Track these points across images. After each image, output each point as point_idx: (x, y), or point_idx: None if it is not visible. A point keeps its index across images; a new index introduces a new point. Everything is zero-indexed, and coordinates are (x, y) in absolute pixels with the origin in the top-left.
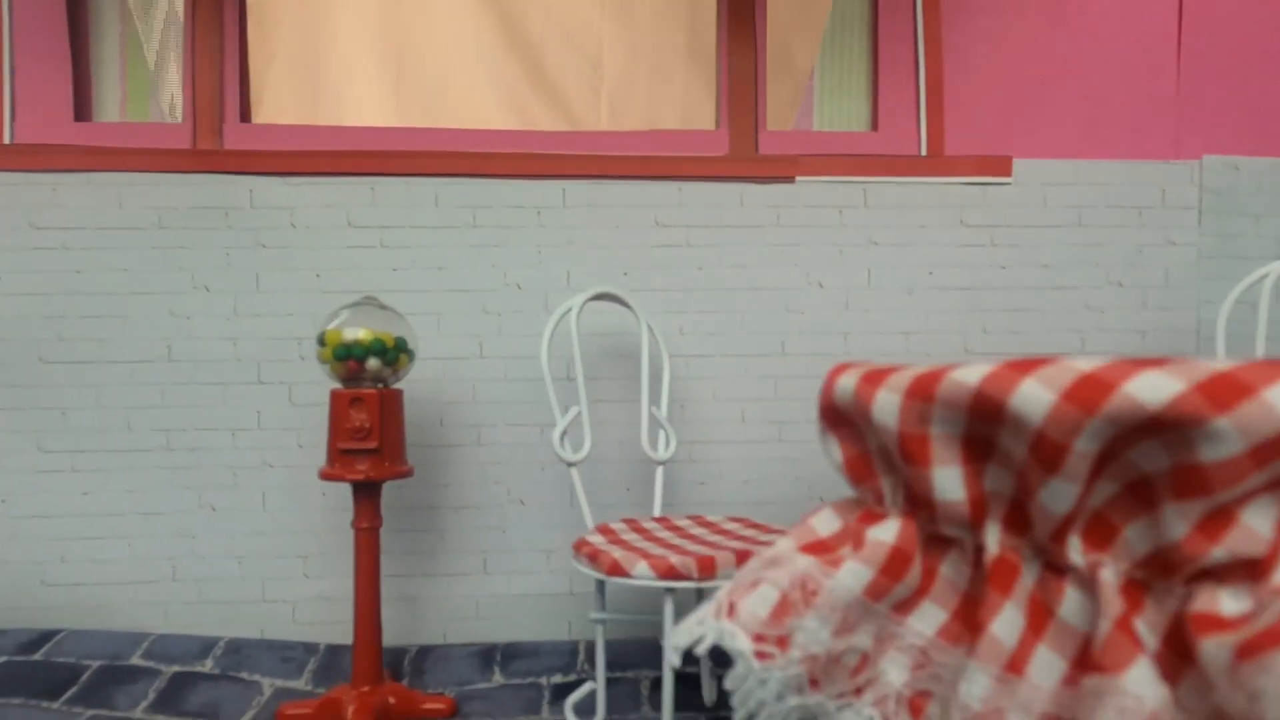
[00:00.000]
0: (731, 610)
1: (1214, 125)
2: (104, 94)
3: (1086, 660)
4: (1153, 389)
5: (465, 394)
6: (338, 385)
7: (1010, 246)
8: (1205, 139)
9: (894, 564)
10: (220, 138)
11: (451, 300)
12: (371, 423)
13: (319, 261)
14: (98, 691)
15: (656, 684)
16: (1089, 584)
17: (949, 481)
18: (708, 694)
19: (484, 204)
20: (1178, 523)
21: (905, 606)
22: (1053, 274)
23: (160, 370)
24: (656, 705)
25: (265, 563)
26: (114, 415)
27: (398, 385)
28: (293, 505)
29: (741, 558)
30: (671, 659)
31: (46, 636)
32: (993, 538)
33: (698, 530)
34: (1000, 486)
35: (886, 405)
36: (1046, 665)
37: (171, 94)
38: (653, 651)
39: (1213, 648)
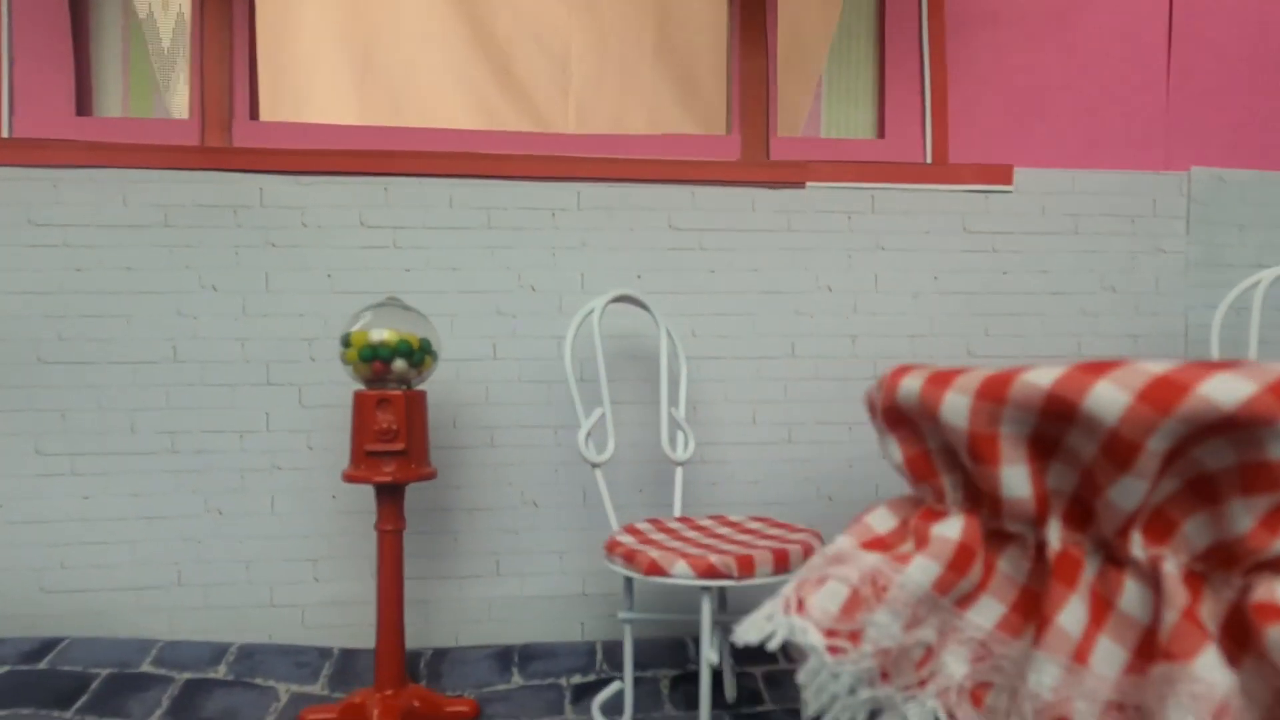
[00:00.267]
0: (801, 606)
1: (1201, 139)
2: (105, 89)
3: (1149, 649)
4: (1227, 390)
5: (478, 395)
6: (359, 387)
7: (1011, 253)
8: (1193, 152)
9: (960, 559)
10: (229, 135)
11: (465, 302)
12: (399, 424)
13: (331, 261)
14: (109, 700)
15: (676, 682)
16: (1149, 577)
17: (1016, 479)
18: (729, 691)
19: (498, 205)
20: (1243, 517)
21: (965, 601)
22: (1051, 279)
23: (166, 371)
24: (678, 703)
25: (273, 567)
26: (116, 417)
27: (421, 387)
28: (302, 508)
29: (778, 556)
30: (710, 656)
31: (49, 645)
32: (1054, 533)
33: (723, 530)
34: (1062, 484)
35: (956, 406)
36: (1108, 655)
37: (178, 90)
38: (669, 650)
39: (1278, 635)
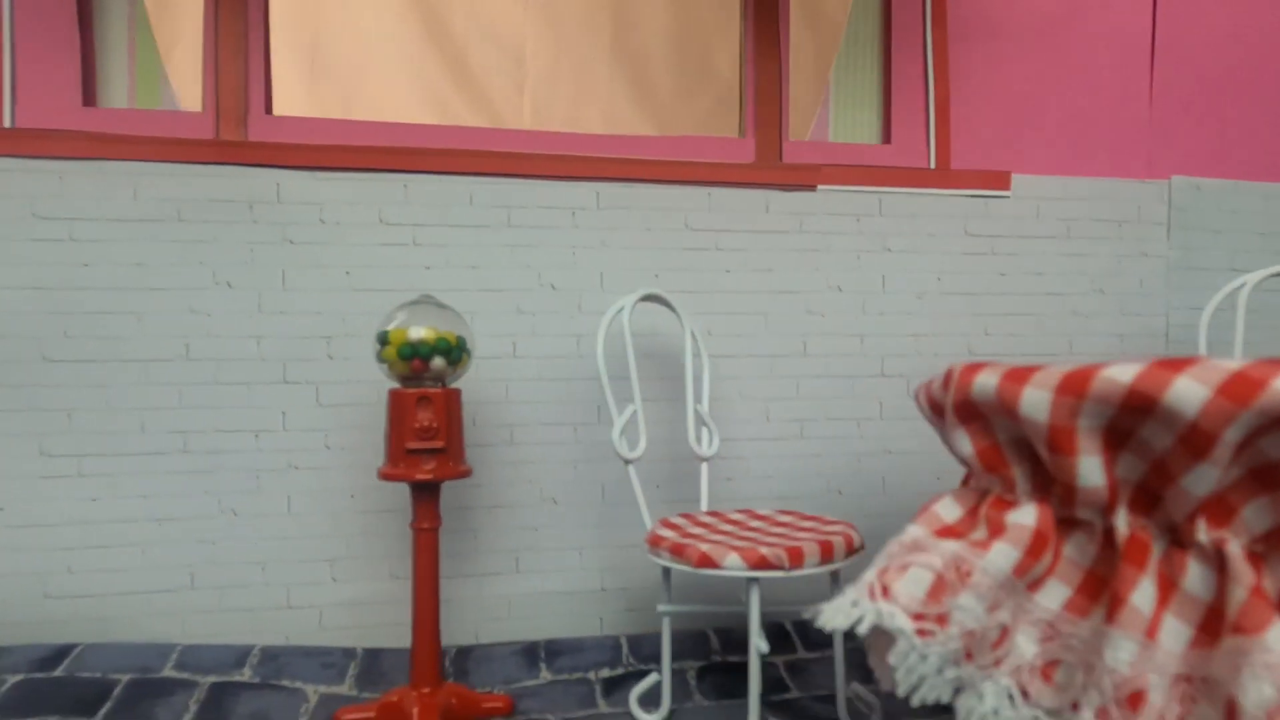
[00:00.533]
0: (886, 592)
1: (1181, 149)
2: (110, 79)
3: (1214, 625)
4: None
5: (498, 394)
6: (392, 384)
7: (1008, 255)
8: (1174, 161)
9: (1036, 545)
10: (245, 128)
11: (485, 300)
12: (439, 422)
13: (349, 259)
14: (135, 706)
15: (703, 673)
16: (1212, 558)
17: (1091, 469)
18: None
19: (518, 204)
20: None
21: (1035, 584)
22: (1045, 281)
23: (178, 369)
24: (707, 694)
25: (290, 568)
26: (126, 417)
27: (456, 384)
28: (319, 508)
29: (824, 547)
30: (761, 646)
31: (63, 652)
32: (1122, 519)
33: (756, 523)
34: (1129, 473)
35: (1036, 401)
36: (1174, 632)
37: (188, 82)
38: (693, 642)
39: None
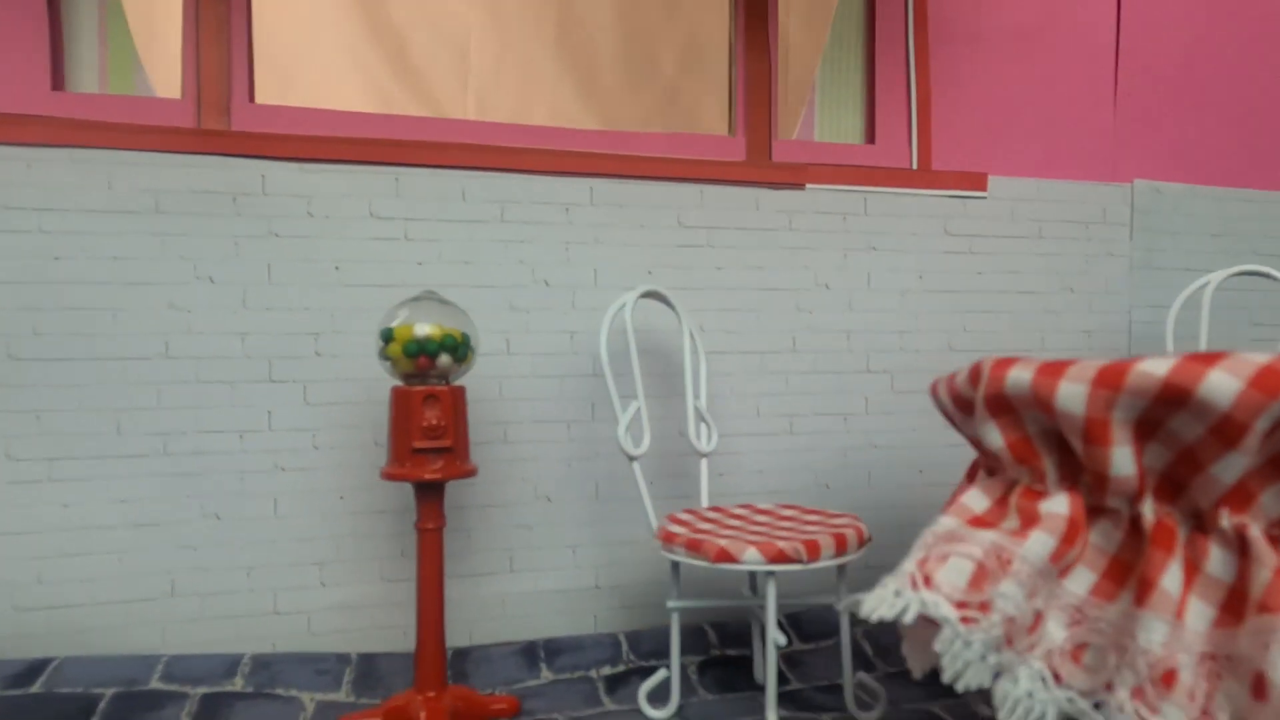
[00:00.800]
0: (929, 581)
1: (1142, 154)
2: (80, 64)
3: (1236, 605)
4: None
5: (492, 391)
6: (396, 382)
7: (986, 254)
8: (1136, 165)
9: (1071, 532)
10: (228, 117)
11: (478, 296)
12: (446, 420)
13: (338, 253)
14: None
15: (703, 668)
16: (1233, 542)
17: (1124, 459)
18: (759, 673)
19: (512, 199)
20: None
21: (1065, 571)
22: (1019, 279)
23: (157, 368)
24: (710, 688)
25: (277, 572)
26: (101, 418)
27: (458, 382)
28: (307, 510)
29: (838, 540)
30: (778, 639)
31: (38, 667)
32: (1149, 507)
33: (762, 518)
34: (1155, 462)
35: (1073, 394)
36: (1199, 613)
37: (164, 68)
38: (690, 637)
39: None
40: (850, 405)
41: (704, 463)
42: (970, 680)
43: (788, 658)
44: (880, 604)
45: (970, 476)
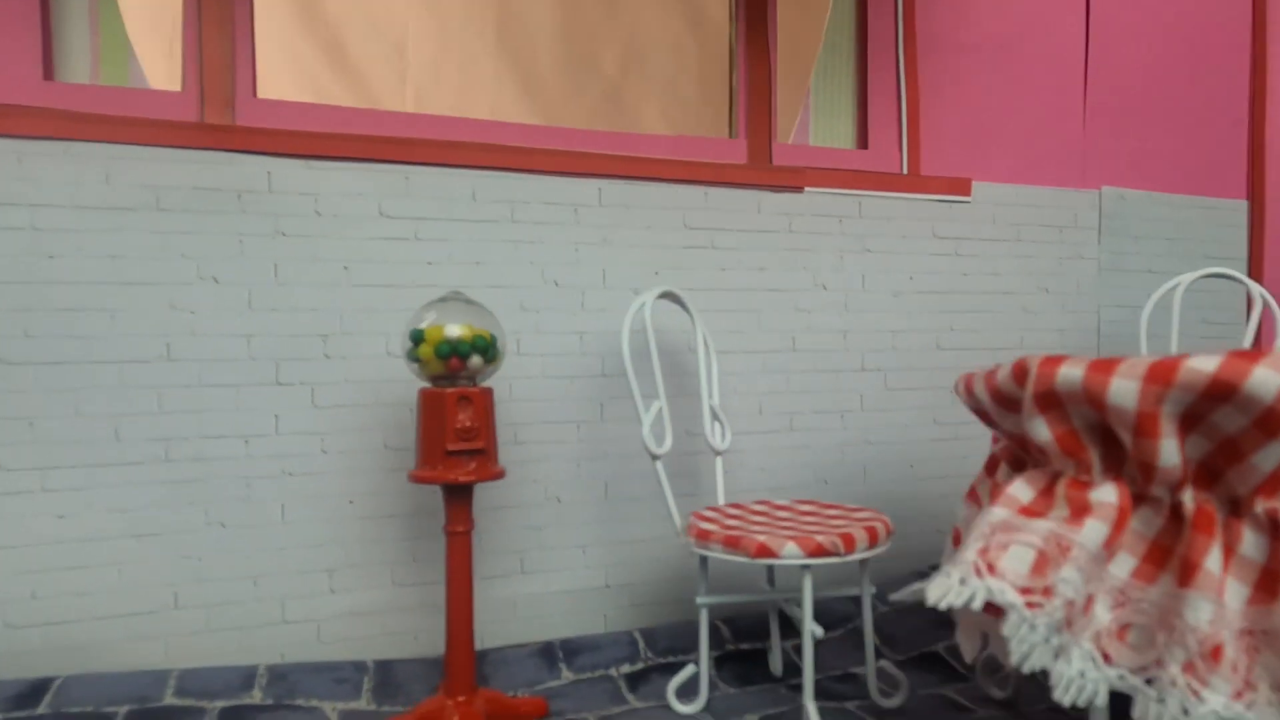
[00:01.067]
0: (992, 569)
1: (1109, 162)
2: (70, 54)
3: (1269, 584)
4: None
5: (502, 392)
6: (424, 384)
7: (970, 257)
8: (1103, 173)
9: (1121, 519)
10: (233, 111)
11: (489, 297)
12: (479, 422)
13: (347, 253)
14: None
15: (720, 663)
16: (1265, 526)
17: (1170, 451)
18: (774, 665)
19: (521, 199)
20: None
21: (1110, 556)
22: (1000, 281)
23: (158, 371)
24: (729, 682)
25: (285, 580)
26: (98, 424)
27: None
28: (316, 516)
29: (870, 533)
30: (815, 630)
31: (41, 686)
32: (1189, 494)
33: (783, 513)
34: (1194, 452)
35: (1124, 390)
36: (1235, 591)
37: (159, 59)
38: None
39: None
40: (847, 403)
41: (719, 461)
42: (1035, 662)
43: (799, 649)
44: (946, 593)
45: (990, 469)
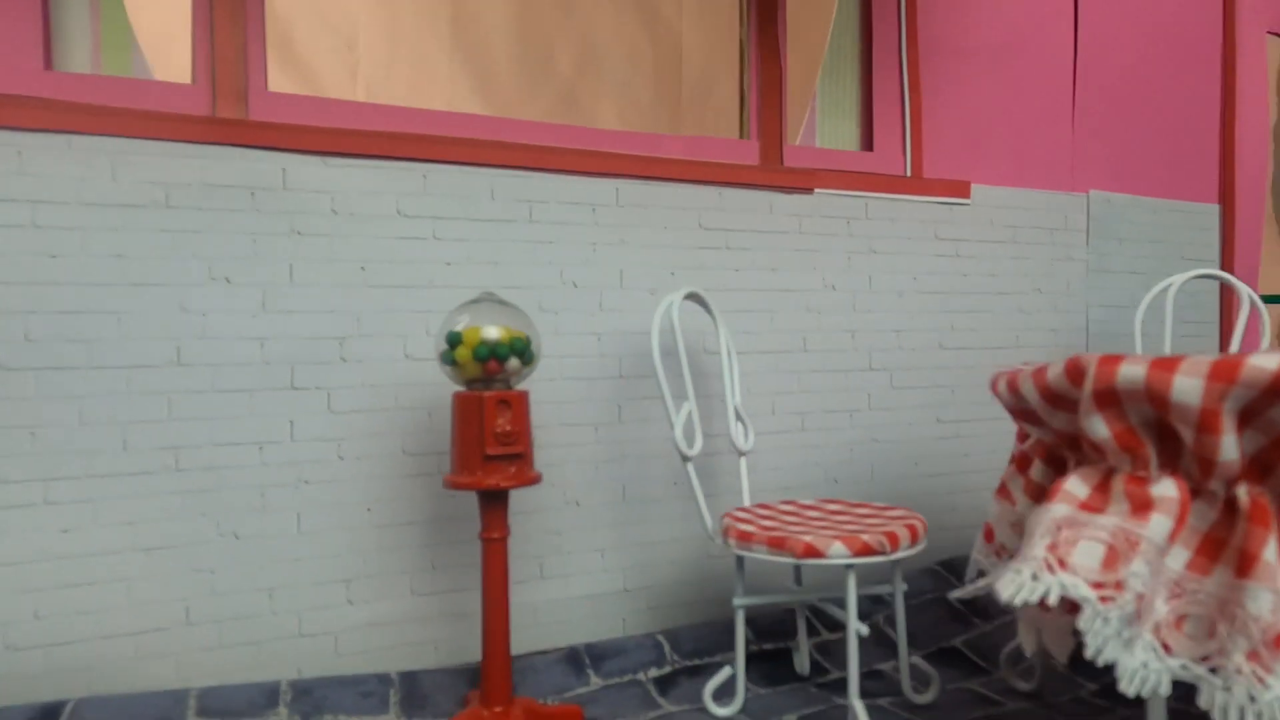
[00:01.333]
0: (1063, 565)
1: (1096, 167)
2: (69, 42)
3: None
4: None
5: None
6: (458, 388)
7: (970, 258)
8: (1091, 177)
9: (1183, 513)
10: (245, 105)
11: (508, 298)
12: (518, 426)
13: (364, 253)
14: None
15: (748, 662)
16: None
17: (1230, 446)
18: (799, 665)
19: (540, 199)
20: None
21: (1168, 550)
22: (998, 281)
23: (167, 376)
24: (756, 682)
25: (301, 592)
26: (104, 432)
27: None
28: (333, 525)
29: (912, 531)
30: (860, 629)
31: (52, 710)
32: (1243, 489)
33: (813, 513)
34: (1248, 447)
35: (1189, 387)
36: None
37: (164, 49)
38: (726, 635)
39: None
40: (855, 402)
41: (743, 461)
42: (1109, 655)
43: (820, 648)
44: (1020, 589)
45: (1021, 466)
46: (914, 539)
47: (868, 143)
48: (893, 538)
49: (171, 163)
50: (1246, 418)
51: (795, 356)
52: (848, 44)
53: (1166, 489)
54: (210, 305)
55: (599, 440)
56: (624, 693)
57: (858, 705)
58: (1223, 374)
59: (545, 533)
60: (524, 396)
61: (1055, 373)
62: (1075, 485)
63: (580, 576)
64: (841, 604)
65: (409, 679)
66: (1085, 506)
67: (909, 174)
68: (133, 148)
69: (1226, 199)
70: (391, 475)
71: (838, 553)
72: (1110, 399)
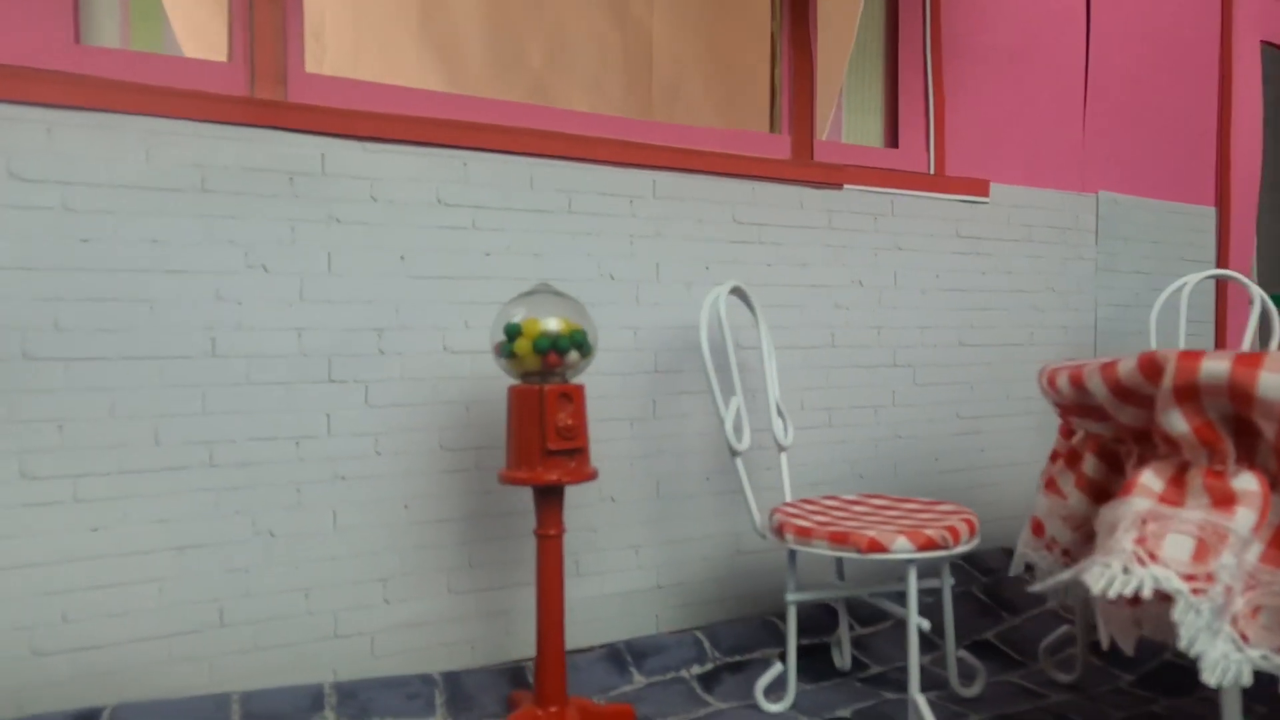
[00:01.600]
0: (1154, 558)
1: (1105, 168)
2: (97, 10)
3: None
4: None
5: None
6: (512, 381)
7: (988, 256)
8: (1100, 178)
9: (1265, 506)
10: (285, 87)
11: None
12: (578, 420)
13: (404, 241)
14: None
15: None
16: None
17: None
18: (839, 660)
19: (579, 189)
20: None
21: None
22: (1014, 279)
23: (201, 368)
24: (802, 677)
25: (338, 592)
26: (135, 426)
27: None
28: (370, 522)
29: (970, 526)
30: (921, 624)
31: (89, 716)
32: None
33: (859, 508)
34: None
35: (1275, 383)
36: None
37: (194, 26)
38: (763, 632)
39: None
40: (880, 398)
41: (783, 456)
42: (1200, 647)
43: (856, 642)
44: (1111, 582)
45: (1070, 461)
46: (971, 533)
47: (892, 139)
48: (954, 532)
49: (208, 144)
50: None
51: (824, 352)
52: (872, 40)
53: (1247, 483)
54: (247, 294)
55: (634, 435)
56: (669, 690)
57: (919, 699)
58: None
59: (581, 529)
60: (582, 390)
61: (1128, 368)
62: (1151, 479)
63: (616, 574)
64: (892, 598)
65: (452, 679)
66: (1164, 500)
67: (932, 171)
68: (168, 128)
69: (1222, 202)
70: (429, 471)
71: (901, 547)
72: (1190, 394)
